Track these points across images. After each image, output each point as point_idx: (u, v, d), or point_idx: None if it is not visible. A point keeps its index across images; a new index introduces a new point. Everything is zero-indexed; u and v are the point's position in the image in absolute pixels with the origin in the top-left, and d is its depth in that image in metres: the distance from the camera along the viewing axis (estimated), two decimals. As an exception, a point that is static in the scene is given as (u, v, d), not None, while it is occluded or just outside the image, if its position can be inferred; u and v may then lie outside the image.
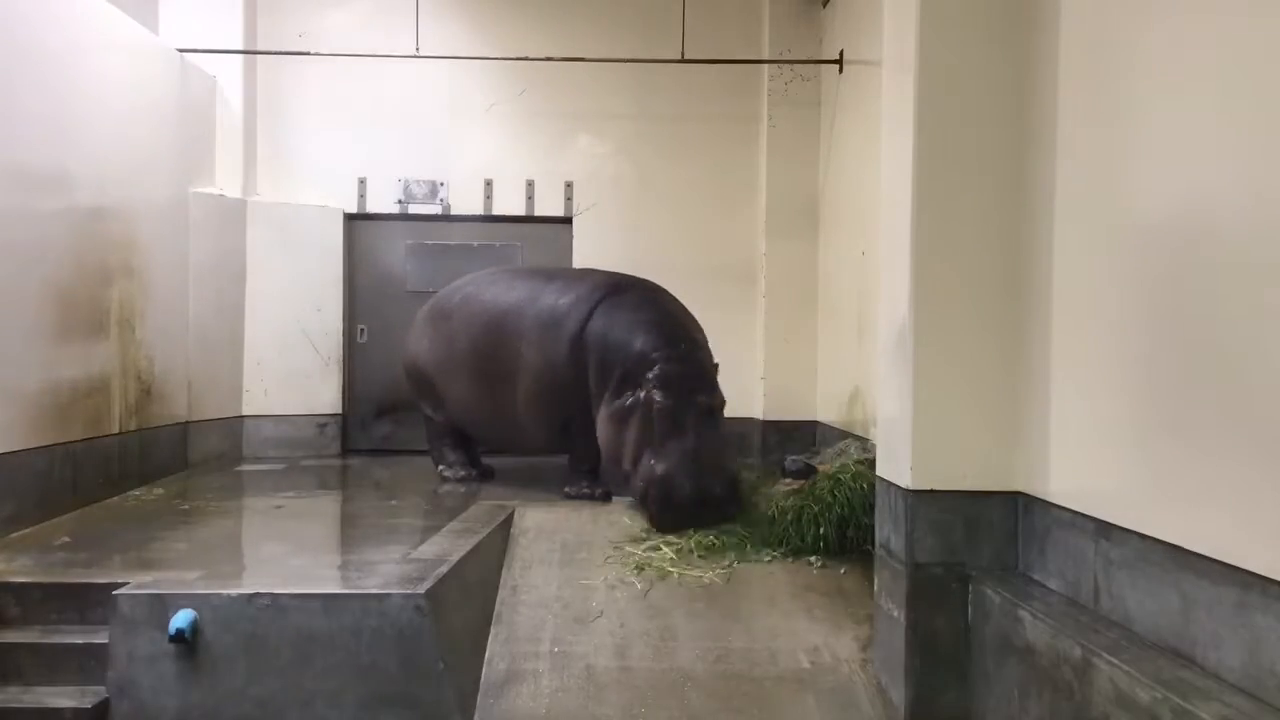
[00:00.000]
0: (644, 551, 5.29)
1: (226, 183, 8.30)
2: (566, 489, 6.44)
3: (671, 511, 5.55)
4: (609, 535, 5.57)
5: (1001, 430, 3.83)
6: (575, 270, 7.20)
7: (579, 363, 6.20)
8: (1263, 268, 2.51)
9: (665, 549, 5.30)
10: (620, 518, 5.94)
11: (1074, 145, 3.51)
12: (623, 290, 6.42)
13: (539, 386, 6.38)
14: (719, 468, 5.74)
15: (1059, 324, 3.58)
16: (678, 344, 5.99)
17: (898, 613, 3.95)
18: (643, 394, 5.73)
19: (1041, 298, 3.69)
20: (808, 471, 5.82)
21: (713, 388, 5.96)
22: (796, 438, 8.09)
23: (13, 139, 5.38)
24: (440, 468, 7.31)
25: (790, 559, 5.22)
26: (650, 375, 5.72)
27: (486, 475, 7.30)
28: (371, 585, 4.21)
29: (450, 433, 7.29)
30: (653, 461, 5.62)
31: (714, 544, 5.37)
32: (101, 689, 4.02)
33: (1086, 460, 3.40)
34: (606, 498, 6.29)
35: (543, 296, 6.52)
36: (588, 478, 6.46)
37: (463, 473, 7.22)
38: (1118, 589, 3.16)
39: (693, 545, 5.34)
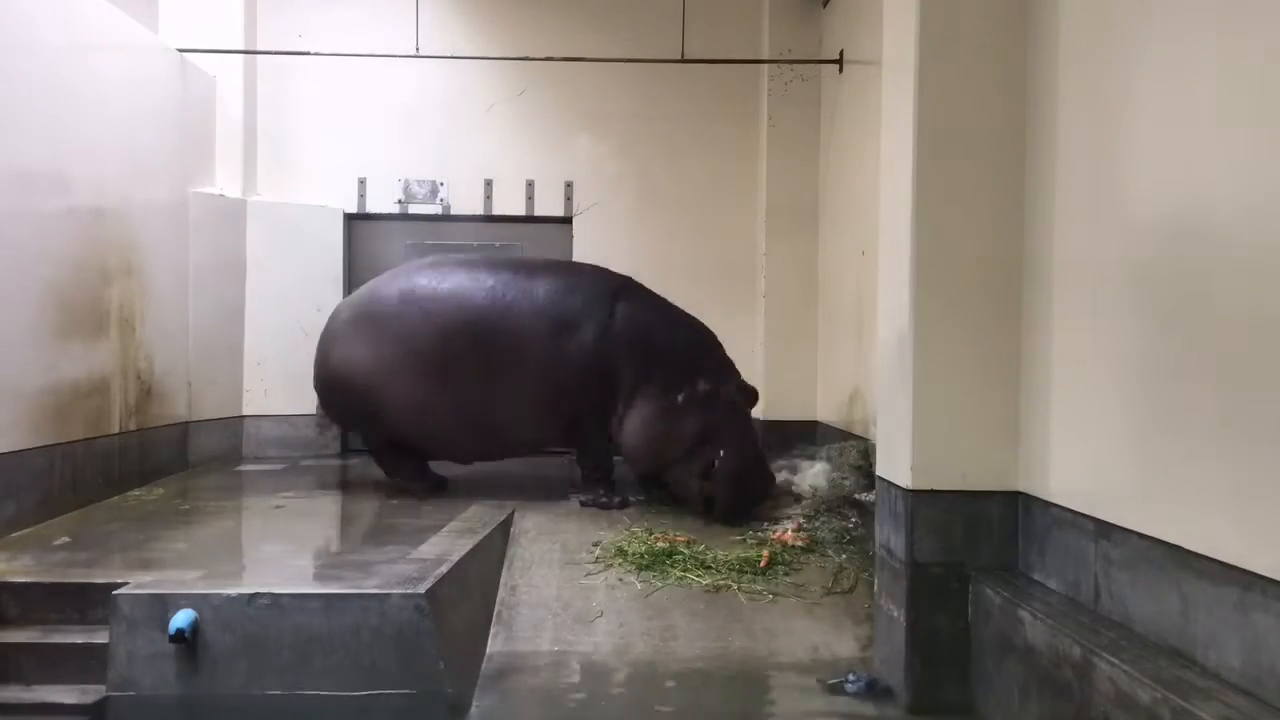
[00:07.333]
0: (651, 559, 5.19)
1: (226, 183, 8.29)
2: (581, 498, 6.31)
3: (743, 506, 5.96)
4: (610, 537, 5.56)
5: (1001, 430, 3.83)
6: (538, 261, 7.19)
7: (605, 359, 6.22)
8: (1262, 266, 2.51)
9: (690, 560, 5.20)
10: (619, 517, 5.95)
11: (1074, 144, 3.52)
12: (630, 288, 6.63)
13: (548, 384, 6.27)
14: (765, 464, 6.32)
15: (1059, 323, 3.58)
16: (718, 344, 6.45)
17: (898, 612, 3.96)
18: (700, 389, 6.00)
19: (1041, 297, 3.69)
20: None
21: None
22: (796, 438, 8.08)
23: (13, 139, 5.37)
24: (398, 480, 6.79)
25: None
26: (710, 369, 6.12)
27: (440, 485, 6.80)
28: (371, 585, 4.21)
29: (394, 444, 6.71)
30: (723, 455, 5.90)
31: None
32: (102, 688, 4.01)
33: (1086, 460, 3.40)
34: (624, 505, 6.21)
35: (535, 290, 6.38)
36: (603, 485, 6.37)
37: (422, 482, 6.75)
38: (1118, 589, 3.16)
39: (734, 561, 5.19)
